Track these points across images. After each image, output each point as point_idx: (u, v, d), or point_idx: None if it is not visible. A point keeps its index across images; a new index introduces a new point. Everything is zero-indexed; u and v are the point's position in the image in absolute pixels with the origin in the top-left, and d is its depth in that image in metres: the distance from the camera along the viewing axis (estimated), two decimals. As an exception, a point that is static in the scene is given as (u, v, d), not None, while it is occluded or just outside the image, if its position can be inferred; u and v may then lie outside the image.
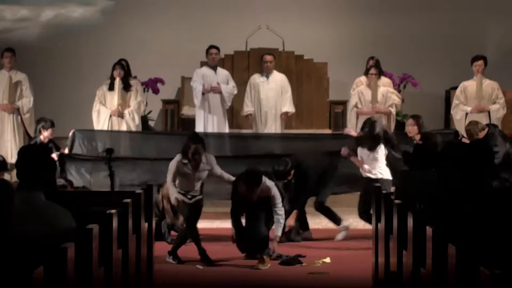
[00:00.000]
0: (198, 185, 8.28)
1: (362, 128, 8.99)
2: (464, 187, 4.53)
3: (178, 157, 8.19)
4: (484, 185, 4.55)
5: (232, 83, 11.65)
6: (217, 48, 11.62)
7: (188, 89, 12.00)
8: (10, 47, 11.66)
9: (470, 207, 4.37)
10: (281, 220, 8.20)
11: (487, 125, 9.93)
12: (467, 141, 9.61)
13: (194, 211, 8.24)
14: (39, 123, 10.09)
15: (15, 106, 11.40)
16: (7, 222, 3.87)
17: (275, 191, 8.17)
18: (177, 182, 8.19)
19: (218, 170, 8.33)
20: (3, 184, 3.95)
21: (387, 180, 8.67)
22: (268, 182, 8.15)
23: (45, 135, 9.92)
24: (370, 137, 8.75)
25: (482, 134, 9.50)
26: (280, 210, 8.17)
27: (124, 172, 9.70)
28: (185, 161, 8.13)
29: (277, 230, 8.17)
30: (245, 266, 8.06)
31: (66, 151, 9.98)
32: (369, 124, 8.90)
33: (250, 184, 8.03)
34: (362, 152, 8.81)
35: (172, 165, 8.17)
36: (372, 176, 8.71)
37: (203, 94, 11.44)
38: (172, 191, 8.21)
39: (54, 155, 9.53)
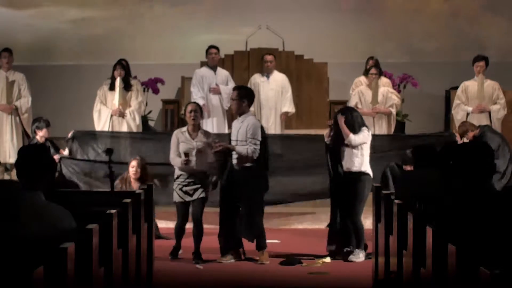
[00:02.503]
0: (200, 163, 8.24)
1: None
2: (465, 187, 4.52)
3: (176, 130, 8.58)
4: (485, 185, 4.55)
5: (231, 84, 11.61)
6: (217, 48, 11.60)
7: (188, 89, 11.98)
8: (8, 47, 11.67)
9: (471, 207, 4.37)
10: (248, 150, 8.09)
11: (478, 126, 9.99)
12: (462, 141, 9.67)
13: (188, 214, 8.30)
14: (34, 123, 10.10)
15: (13, 106, 11.39)
16: (15, 222, 3.91)
17: (255, 126, 8.18)
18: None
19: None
20: (12, 185, 3.98)
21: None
22: (253, 117, 8.46)
23: (40, 135, 9.92)
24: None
25: (471, 134, 9.58)
26: (252, 145, 8.10)
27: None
28: (184, 129, 8.40)
29: (238, 148, 8.11)
30: (245, 266, 8.07)
31: (66, 152, 9.97)
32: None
33: (238, 89, 8.45)
34: None
35: (173, 138, 8.39)
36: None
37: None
38: (177, 162, 8.28)
39: (56, 157, 9.52)
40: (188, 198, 8.24)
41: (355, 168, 8.17)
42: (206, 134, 8.47)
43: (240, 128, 8.21)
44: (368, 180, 8.19)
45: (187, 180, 8.21)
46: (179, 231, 8.33)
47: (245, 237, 8.33)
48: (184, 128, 8.43)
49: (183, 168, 8.22)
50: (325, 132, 8.61)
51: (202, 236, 8.27)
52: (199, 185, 8.23)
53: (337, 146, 8.28)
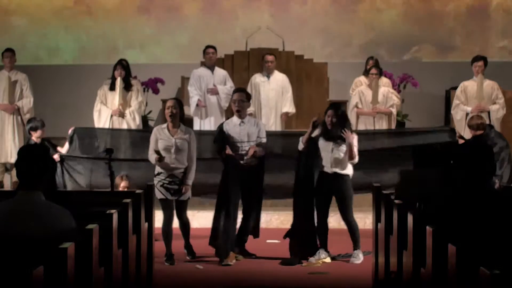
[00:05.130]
0: (180, 161, 8.17)
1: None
2: (466, 187, 4.52)
3: (156, 127, 8.52)
4: (486, 185, 4.55)
5: (229, 83, 11.59)
6: (214, 48, 11.57)
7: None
8: (10, 48, 11.68)
9: (471, 207, 4.37)
10: (264, 150, 8.37)
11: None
12: (462, 141, 9.66)
13: (173, 210, 8.25)
14: (29, 124, 10.02)
15: (15, 106, 11.40)
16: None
17: (263, 128, 8.51)
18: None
19: (193, 149, 8.28)
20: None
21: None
22: (260, 121, 8.78)
23: (35, 135, 9.88)
24: None
25: (478, 132, 9.59)
26: (263, 144, 8.38)
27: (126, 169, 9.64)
28: (163, 125, 8.32)
29: (262, 150, 8.32)
30: (245, 266, 8.06)
31: (63, 150, 9.93)
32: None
33: (242, 91, 8.55)
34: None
35: (151, 135, 8.32)
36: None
37: (197, 105, 11.42)
38: (152, 159, 8.19)
39: (56, 156, 9.51)
40: (170, 197, 8.16)
41: (345, 171, 8.22)
42: (187, 131, 8.32)
43: (249, 129, 8.29)
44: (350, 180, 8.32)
45: (168, 179, 8.14)
46: (167, 234, 8.19)
47: (253, 234, 8.50)
48: (164, 125, 8.30)
49: (161, 165, 8.15)
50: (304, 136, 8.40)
51: (189, 230, 8.33)
52: (179, 185, 8.16)
53: (316, 145, 8.28)
